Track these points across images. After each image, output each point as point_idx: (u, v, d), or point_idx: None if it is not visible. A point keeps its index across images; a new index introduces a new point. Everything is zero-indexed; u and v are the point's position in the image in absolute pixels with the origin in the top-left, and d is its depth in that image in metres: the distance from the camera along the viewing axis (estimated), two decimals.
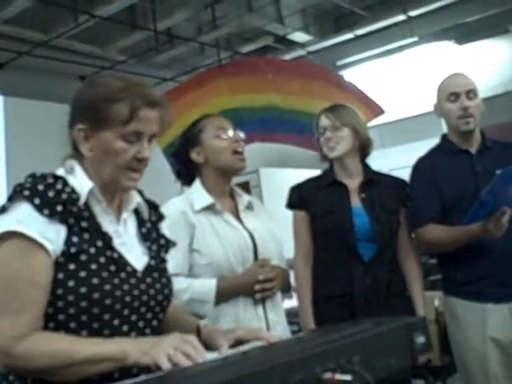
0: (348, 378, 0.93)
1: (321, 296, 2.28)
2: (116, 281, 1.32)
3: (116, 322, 1.31)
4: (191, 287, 1.90)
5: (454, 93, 2.31)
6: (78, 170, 1.39)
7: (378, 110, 5.26)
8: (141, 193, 1.53)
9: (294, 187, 2.46)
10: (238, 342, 1.41)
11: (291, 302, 3.40)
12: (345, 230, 2.26)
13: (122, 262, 1.35)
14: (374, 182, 2.37)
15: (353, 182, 2.37)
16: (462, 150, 2.35)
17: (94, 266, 1.30)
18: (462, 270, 2.28)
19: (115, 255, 1.35)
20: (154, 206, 1.56)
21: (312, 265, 2.35)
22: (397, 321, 1.18)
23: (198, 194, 2.04)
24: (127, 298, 1.33)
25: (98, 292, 1.28)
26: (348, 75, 8.16)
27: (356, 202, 2.32)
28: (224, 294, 1.92)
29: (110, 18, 6.64)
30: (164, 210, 1.76)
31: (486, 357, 2.19)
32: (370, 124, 6.65)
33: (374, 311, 2.08)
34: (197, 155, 2.08)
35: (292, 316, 2.66)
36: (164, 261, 1.50)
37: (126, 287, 1.33)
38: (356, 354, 1.00)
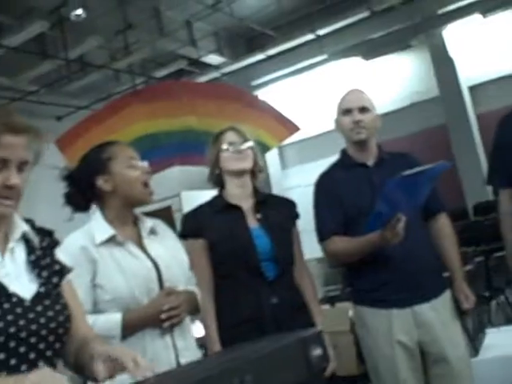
0: None
1: (230, 321, 2.28)
2: None
3: (1, 355, 1.26)
4: (96, 324, 1.84)
5: (347, 108, 2.43)
6: None
7: (293, 128, 5.38)
8: (31, 222, 1.50)
9: (187, 215, 2.41)
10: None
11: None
12: (248, 253, 2.26)
13: (4, 293, 1.31)
14: (267, 202, 2.41)
15: (246, 204, 2.38)
16: (359, 164, 2.46)
17: None
18: (367, 279, 2.36)
19: None
20: (47, 233, 1.52)
21: (215, 293, 2.34)
22: (291, 336, 1.21)
23: (99, 226, 1.98)
24: (12, 329, 1.27)
25: None
26: (262, 95, 8.32)
27: (253, 223, 2.33)
28: (130, 328, 1.88)
29: (18, 47, 6.50)
30: (64, 245, 1.72)
31: (395, 361, 2.28)
32: (287, 141, 6.81)
33: (283, 328, 2.11)
34: (104, 183, 2.00)
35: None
36: (57, 286, 1.45)
37: (9, 318, 1.28)
38: (249, 373, 1.01)
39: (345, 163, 2.49)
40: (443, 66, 8.04)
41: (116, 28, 7.02)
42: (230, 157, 2.35)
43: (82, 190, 2.02)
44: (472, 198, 7.54)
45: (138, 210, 2.17)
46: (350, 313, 2.70)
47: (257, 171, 2.44)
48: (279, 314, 2.20)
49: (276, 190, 9.45)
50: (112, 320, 1.87)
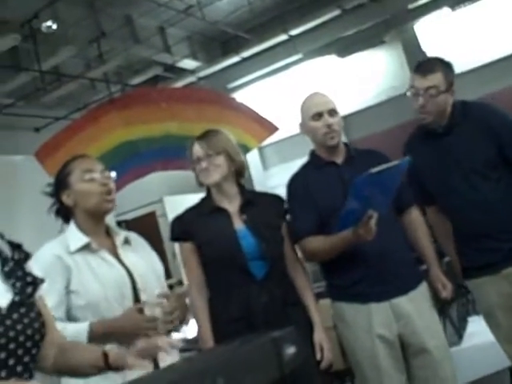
0: None
1: (220, 320, 2.31)
2: None
3: None
4: (64, 332, 1.88)
5: (317, 112, 2.46)
6: None
7: (272, 128, 5.43)
8: (1, 235, 1.53)
9: (176, 219, 2.46)
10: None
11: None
12: (234, 254, 2.29)
13: None
14: (253, 202, 2.44)
15: (232, 206, 2.41)
16: (329, 162, 2.50)
17: None
18: (343, 275, 2.40)
19: None
20: (16, 246, 1.56)
21: (207, 292, 2.38)
22: (264, 336, 1.22)
23: (73, 235, 2.02)
24: None
25: None
26: (239, 97, 8.34)
27: (239, 224, 2.37)
28: (97, 338, 1.90)
29: None
30: (38, 254, 1.79)
31: (376, 354, 2.32)
32: (267, 141, 6.83)
33: (274, 326, 2.14)
34: (67, 198, 2.05)
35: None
36: (31, 296, 1.49)
37: None
38: (220, 375, 1.01)
39: (315, 163, 2.53)
40: (417, 59, 8.11)
41: (89, 37, 7.00)
42: (199, 172, 2.40)
43: (58, 206, 2.08)
44: None
45: (123, 217, 2.20)
46: None
47: (240, 169, 2.46)
48: (270, 313, 2.23)
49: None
50: (80, 329, 1.88)
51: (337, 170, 2.47)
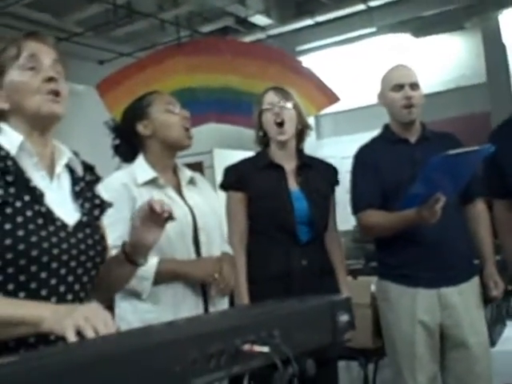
0: (266, 349, 0.96)
1: (258, 276, 2.32)
2: (43, 233, 1.31)
3: (43, 274, 1.31)
4: None
5: (398, 84, 2.38)
6: (6, 127, 1.41)
7: (333, 98, 5.33)
8: (76, 154, 1.53)
9: (230, 168, 2.44)
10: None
11: None
12: (285, 214, 2.29)
13: (50, 216, 1.35)
14: (309, 166, 2.41)
15: (289, 165, 2.40)
16: (401, 139, 2.43)
17: (19, 219, 1.29)
18: (396, 255, 2.37)
19: (43, 209, 1.34)
20: (89, 167, 1.57)
21: (247, 246, 2.38)
22: (321, 299, 1.22)
23: (141, 168, 2.04)
24: (55, 251, 1.32)
25: (24, 243, 1.27)
26: (307, 61, 8.21)
27: (293, 185, 2.36)
28: (163, 276, 1.90)
29: None
30: (106, 181, 1.80)
31: (414, 339, 2.30)
32: (324, 111, 6.73)
33: (310, 290, 2.16)
34: (144, 128, 2.07)
35: None
36: (97, 219, 1.50)
37: (54, 240, 1.33)
38: (277, 327, 1.02)
39: (387, 138, 2.47)
40: (494, 51, 7.82)
41: None
42: (269, 121, 2.36)
43: (126, 139, 2.09)
44: None
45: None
46: (372, 287, 2.72)
47: (304, 130, 2.44)
48: (308, 276, 2.25)
49: None
50: (148, 264, 1.90)
51: (409, 147, 2.42)
